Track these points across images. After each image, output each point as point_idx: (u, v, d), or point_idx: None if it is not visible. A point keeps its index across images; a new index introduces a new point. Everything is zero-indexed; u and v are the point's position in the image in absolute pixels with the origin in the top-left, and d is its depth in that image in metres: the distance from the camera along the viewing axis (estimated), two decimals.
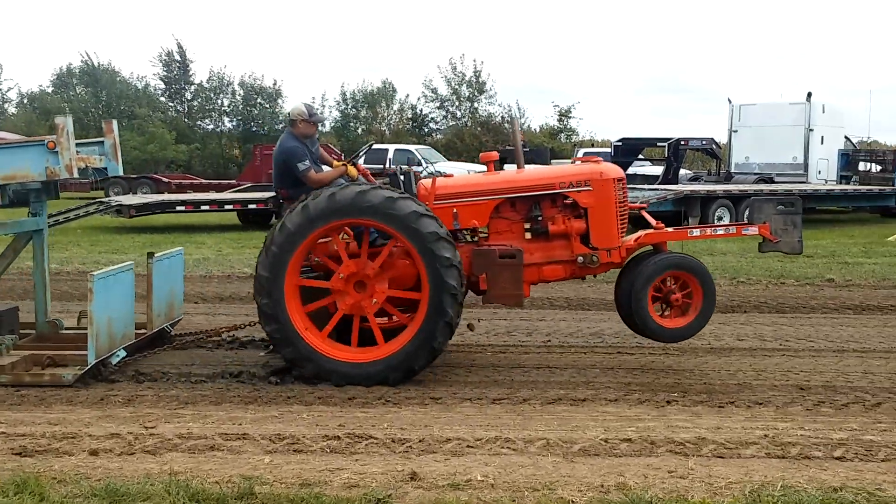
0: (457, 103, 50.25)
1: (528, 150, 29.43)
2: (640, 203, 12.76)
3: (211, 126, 50.75)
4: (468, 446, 6.03)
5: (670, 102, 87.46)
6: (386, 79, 66.26)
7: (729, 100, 31.29)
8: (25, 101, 52.45)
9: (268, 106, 50.97)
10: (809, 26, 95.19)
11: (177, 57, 51.47)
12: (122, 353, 8.08)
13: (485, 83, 49.85)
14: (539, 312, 11.27)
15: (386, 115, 52.67)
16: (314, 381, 7.59)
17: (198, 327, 9.80)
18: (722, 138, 33.77)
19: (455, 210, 8.01)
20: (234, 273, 14.38)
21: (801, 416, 6.84)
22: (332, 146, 38.81)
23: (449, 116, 50.71)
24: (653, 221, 8.52)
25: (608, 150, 30.21)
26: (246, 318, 9.45)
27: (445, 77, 49.98)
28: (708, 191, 23.34)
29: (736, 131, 30.80)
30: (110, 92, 50.11)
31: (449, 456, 5.86)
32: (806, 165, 29.18)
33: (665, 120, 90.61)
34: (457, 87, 49.88)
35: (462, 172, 16.89)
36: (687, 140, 31.00)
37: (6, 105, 53.51)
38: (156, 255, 8.80)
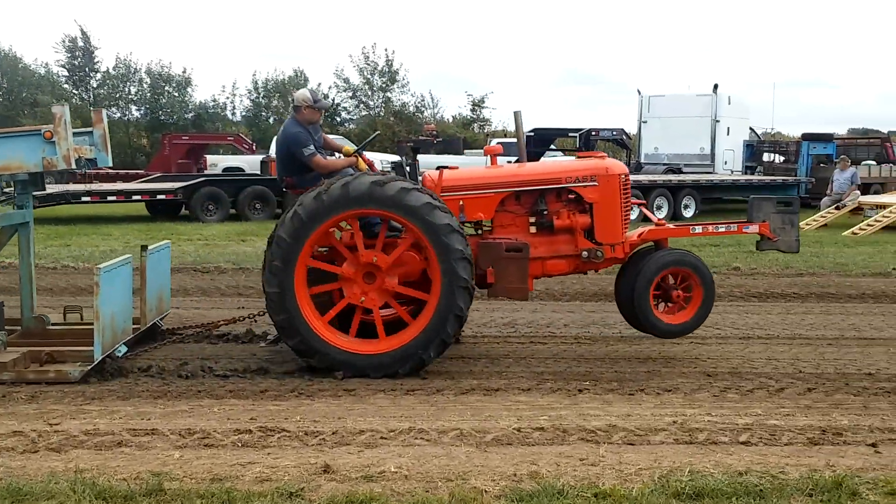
0: (369, 93, 49.83)
1: (440, 139, 29.49)
2: None
3: (118, 114, 49.36)
4: (382, 438, 6.01)
5: (584, 93, 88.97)
6: (298, 67, 65.56)
7: (638, 91, 31.88)
8: None
9: (177, 94, 49.80)
10: (717, 20, 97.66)
11: (80, 43, 49.96)
12: (124, 349, 7.89)
13: (397, 72, 49.44)
14: None
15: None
16: (321, 372, 7.50)
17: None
18: (633, 129, 34.40)
19: (461, 202, 7.95)
20: None
21: (709, 402, 7.00)
22: (242, 136, 38.26)
23: (361, 106, 50.26)
24: (654, 218, 8.60)
25: None
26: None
27: (357, 66, 49.49)
28: None
29: (645, 122, 31.35)
30: (12, 79, 48.34)
31: (362, 448, 5.83)
32: (713, 156, 29.86)
33: (578, 111, 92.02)
34: (369, 76, 49.45)
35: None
36: (598, 131, 31.50)
37: None
38: (148, 248, 8.66)
